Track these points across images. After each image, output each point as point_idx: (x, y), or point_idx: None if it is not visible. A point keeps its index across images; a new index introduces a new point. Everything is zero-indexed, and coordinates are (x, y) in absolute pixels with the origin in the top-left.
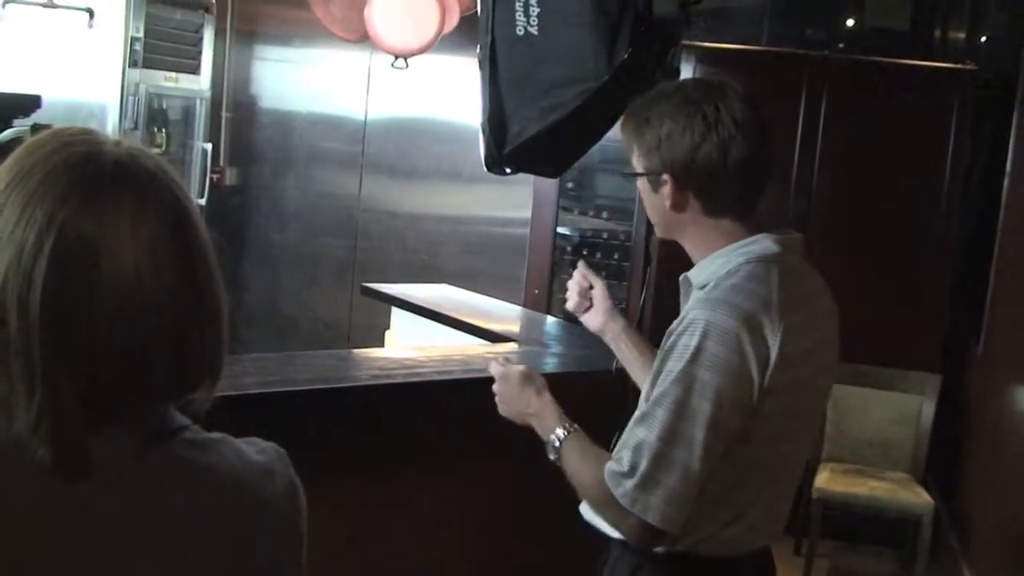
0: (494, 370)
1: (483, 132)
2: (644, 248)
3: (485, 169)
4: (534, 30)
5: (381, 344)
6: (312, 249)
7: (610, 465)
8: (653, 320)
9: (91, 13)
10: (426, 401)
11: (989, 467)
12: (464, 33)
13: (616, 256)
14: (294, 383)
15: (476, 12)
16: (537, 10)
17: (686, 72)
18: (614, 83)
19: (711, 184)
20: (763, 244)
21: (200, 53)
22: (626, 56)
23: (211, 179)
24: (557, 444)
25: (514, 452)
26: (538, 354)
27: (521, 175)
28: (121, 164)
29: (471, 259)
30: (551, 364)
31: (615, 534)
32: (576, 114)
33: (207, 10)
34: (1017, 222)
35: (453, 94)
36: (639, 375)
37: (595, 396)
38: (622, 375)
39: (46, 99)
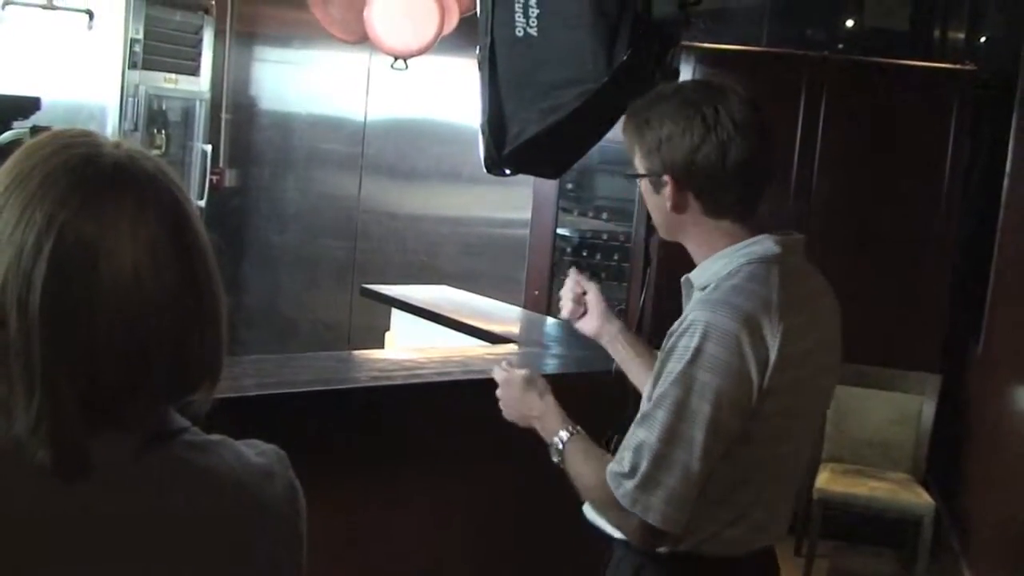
0: (497, 375)
1: (482, 133)
2: (644, 249)
3: (485, 170)
4: (533, 31)
5: (381, 345)
6: (312, 250)
7: (611, 466)
8: (653, 321)
9: (90, 15)
10: (426, 402)
11: (989, 467)
12: (463, 34)
13: (616, 257)
14: (294, 385)
15: (475, 13)
16: (536, 11)
17: (685, 73)
18: (613, 84)
19: (711, 185)
20: (764, 245)
21: (200, 55)
22: (625, 57)
23: (211, 180)
24: (560, 446)
25: (514, 453)
26: (538, 355)
27: (521, 176)
28: (121, 166)
29: (471, 260)
30: (551, 365)
31: (618, 535)
32: (575, 115)
33: (207, 11)
34: (1017, 222)
35: (453, 95)
36: (637, 376)
37: (595, 397)
38: (621, 376)
39: (45, 101)
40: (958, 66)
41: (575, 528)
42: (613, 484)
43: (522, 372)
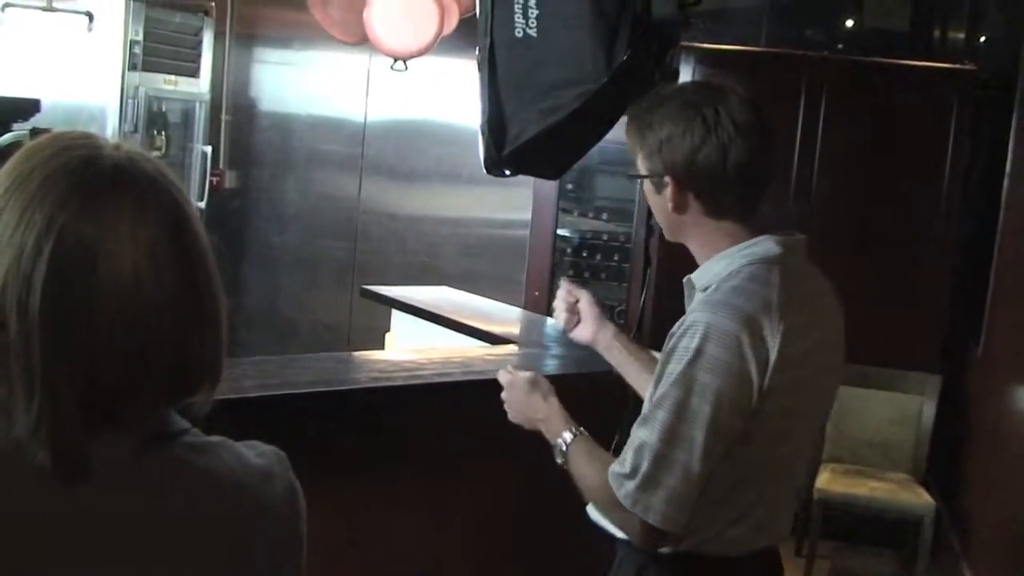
0: (502, 378)
1: (482, 134)
2: (644, 249)
3: (484, 171)
4: (533, 32)
5: (381, 346)
6: (312, 251)
7: (613, 467)
8: (653, 321)
9: (90, 16)
10: (426, 403)
11: (989, 467)
12: (463, 35)
13: (616, 258)
14: (294, 386)
15: (475, 14)
16: (536, 12)
17: (685, 73)
18: (613, 85)
19: (711, 186)
20: (765, 246)
21: (199, 56)
22: (625, 58)
23: (211, 182)
24: (564, 448)
25: (514, 454)
26: (538, 356)
27: (521, 177)
28: (120, 168)
29: (471, 261)
30: (551, 366)
31: (621, 535)
32: (575, 116)
33: (206, 13)
34: (1017, 223)
35: (452, 96)
36: (635, 379)
37: (595, 397)
38: (621, 377)
39: (45, 103)
40: (958, 66)
41: (575, 528)
42: (615, 484)
43: (526, 375)
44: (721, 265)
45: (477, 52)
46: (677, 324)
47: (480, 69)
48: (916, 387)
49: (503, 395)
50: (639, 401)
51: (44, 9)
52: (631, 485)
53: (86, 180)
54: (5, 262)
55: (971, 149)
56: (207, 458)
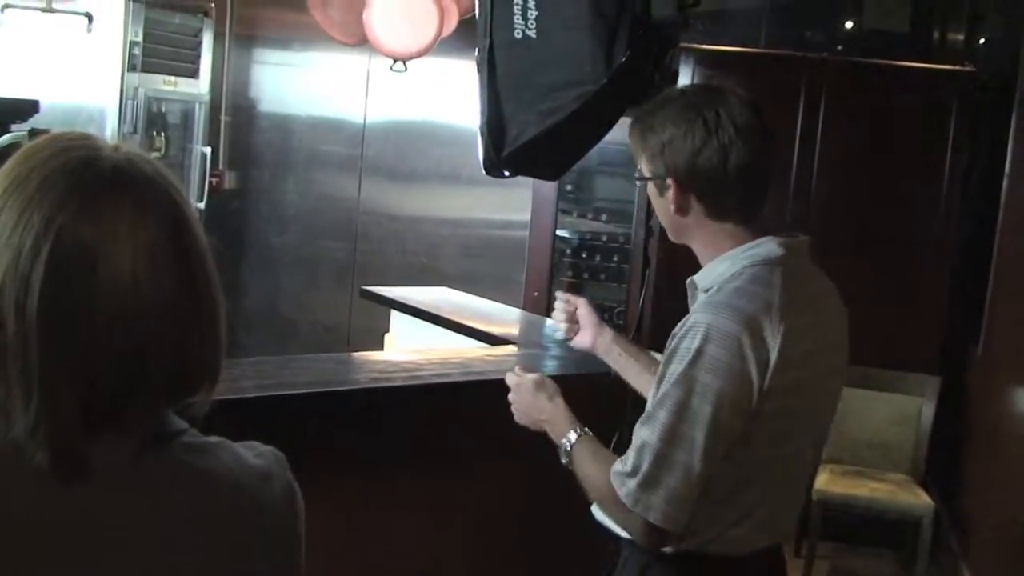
0: (510, 380)
1: (481, 135)
2: (643, 250)
3: (484, 172)
4: (532, 33)
5: (380, 347)
6: (311, 252)
7: (615, 466)
8: (652, 321)
9: (90, 17)
10: (425, 404)
11: (989, 468)
12: (462, 36)
13: (615, 258)
14: (293, 386)
15: (474, 15)
16: (535, 13)
17: (684, 74)
18: (612, 86)
19: (713, 188)
20: (767, 247)
21: (199, 57)
22: (624, 59)
23: (210, 183)
24: (568, 448)
25: (514, 454)
26: (537, 356)
27: (520, 178)
28: (119, 169)
29: (470, 262)
30: (550, 366)
31: (625, 534)
32: (574, 117)
33: (206, 14)
34: (1016, 223)
35: (452, 97)
36: (636, 379)
37: (595, 398)
38: (621, 377)
39: (44, 103)
40: (957, 67)
41: (574, 528)
42: (616, 483)
43: (532, 376)
44: (723, 266)
45: (476, 53)
46: (679, 325)
47: (479, 70)
48: (915, 388)
49: (510, 396)
50: (640, 401)
51: (43, 10)
52: (632, 484)
53: (84, 181)
54: (3, 263)
55: (970, 150)
56: (206, 459)
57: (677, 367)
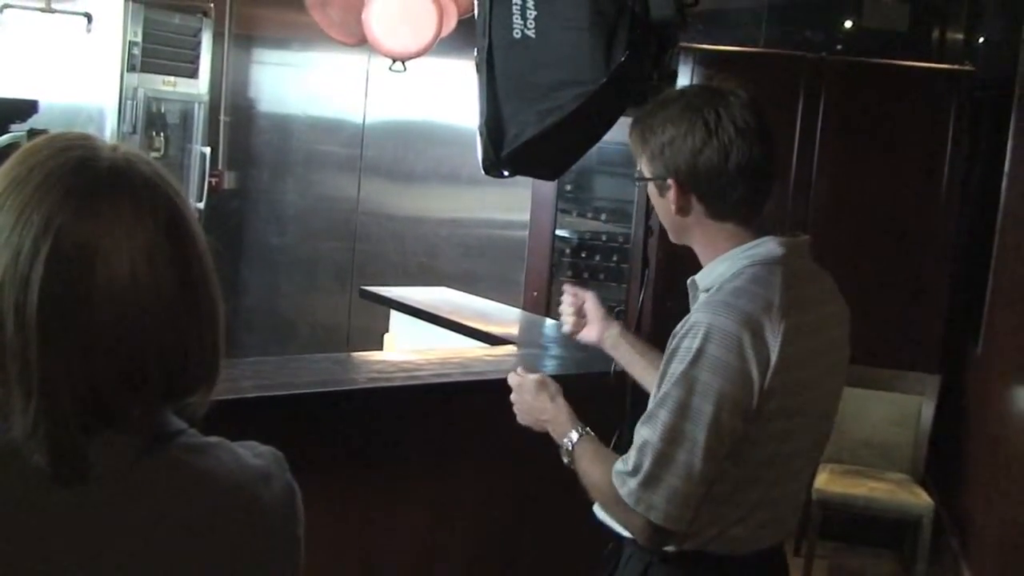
0: (512, 380)
1: (480, 135)
2: (642, 250)
3: (483, 172)
4: (531, 33)
5: (380, 347)
6: (311, 252)
7: (616, 465)
8: (652, 321)
9: (89, 17)
10: (425, 404)
11: (989, 468)
12: (462, 36)
13: (614, 258)
14: (292, 386)
15: (474, 15)
16: (534, 13)
17: (683, 74)
18: (611, 86)
19: (713, 188)
20: (768, 247)
21: (198, 57)
22: (623, 59)
23: (210, 183)
24: (570, 447)
25: (513, 454)
26: (537, 356)
27: (519, 178)
28: (118, 169)
29: (470, 262)
30: (550, 366)
31: (628, 533)
32: (573, 117)
33: (205, 14)
34: (1015, 222)
35: (451, 97)
36: (642, 375)
37: (594, 398)
38: (620, 376)
39: (43, 104)
40: (956, 67)
41: (574, 528)
42: (618, 483)
43: (534, 376)
44: (724, 266)
45: (475, 53)
46: (680, 324)
47: (478, 70)
48: (915, 387)
49: (512, 396)
50: (641, 400)
51: (43, 10)
52: (633, 483)
53: (83, 181)
54: (2, 263)
55: (969, 150)
56: (205, 459)
57: (678, 367)
